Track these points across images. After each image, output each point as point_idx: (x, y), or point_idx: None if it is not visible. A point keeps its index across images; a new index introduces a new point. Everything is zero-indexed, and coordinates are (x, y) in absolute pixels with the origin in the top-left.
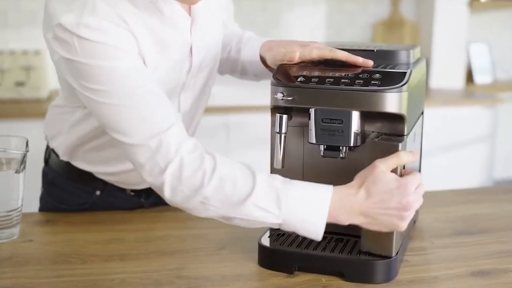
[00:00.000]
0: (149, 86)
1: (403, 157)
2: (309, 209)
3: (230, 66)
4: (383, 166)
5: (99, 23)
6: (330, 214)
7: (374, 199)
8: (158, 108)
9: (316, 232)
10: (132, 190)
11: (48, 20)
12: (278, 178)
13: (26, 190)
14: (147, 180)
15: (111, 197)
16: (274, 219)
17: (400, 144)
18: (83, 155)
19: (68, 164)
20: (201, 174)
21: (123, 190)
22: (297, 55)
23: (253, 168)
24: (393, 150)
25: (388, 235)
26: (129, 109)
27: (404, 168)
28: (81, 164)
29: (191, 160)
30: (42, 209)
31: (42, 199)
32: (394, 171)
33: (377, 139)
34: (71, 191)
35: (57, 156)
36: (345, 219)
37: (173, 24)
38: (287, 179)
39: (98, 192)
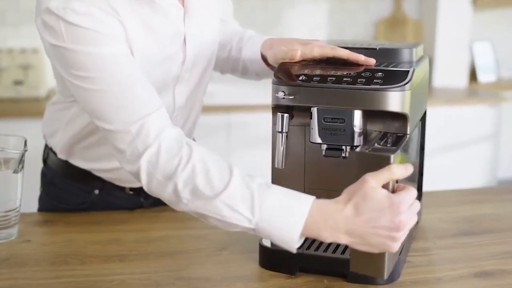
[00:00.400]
0: (133, 73)
1: (396, 171)
2: (284, 219)
3: (231, 65)
4: (374, 181)
5: (87, 9)
6: (309, 228)
7: (363, 217)
8: (141, 95)
9: (290, 245)
10: (131, 189)
11: (38, 6)
12: (257, 179)
13: (25, 191)
14: (126, 168)
15: (110, 196)
16: (247, 223)
17: (392, 156)
18: (80, 152)
19: (66, 163)
20: (176, 161)
21: (122, 189)
22: (298, 53)
23: (234, 165)
24: (384, 163)
25: (380, 255)
26: (113, 95)
27: (397, 182)
28: (78, 162)
29: (169, 147)
30: (41, 209)
31: (41, 199)
32: (385, 186)
33: (367, 150)
34: (70, 191)
35: (55, 155)
36: (328, 236)
37: (164, 12)
38: (268, 183)
39: (96, 191)
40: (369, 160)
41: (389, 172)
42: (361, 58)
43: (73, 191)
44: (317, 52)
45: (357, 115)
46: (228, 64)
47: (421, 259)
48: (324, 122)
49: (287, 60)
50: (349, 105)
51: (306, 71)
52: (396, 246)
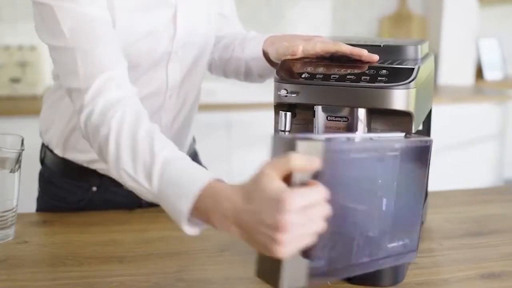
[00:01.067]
0: (105, 35)
1: (294, 160)
2: (175, 199)
3: (234, 67)
4: (269, 168)
5: None
6: (200, 212)
7: (251, 208)
8: (103, 56)
9: (182, 228)
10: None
11: None
12: (166, 151)
13: (23, 191)
14: (81, 127)
15: (108, 194)
16: (149, 195)
17: (299, 143)
18: (75, 142)
19: (63, 160)
20: (104, 128)
21: (119, 185)
22: (300, 49)
23: (154, 133)
24: (289, 149)
25: (276, 261)
26: (77, 53)
27: (318, 177)
28: (74, 155)
29: (104, 111)
30: (39, 209)
31: (39, 199)
32: (288, 180)
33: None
34: (68, 189)
35: (52, 152)
36: (218, 225)
37: None
38: (180, 156)
39: (94, 188)
40: (276, 143)
41: (285, 161)
42: (364, 53)
43: (70, 189)
44: (319, 47)
45: (361, 113)
46: (231, 65)
47: (427, 260)
48: (328, 121)
49: (288, 56)
50: (353, 103)
51: (309, 69)
52: (280, 251)
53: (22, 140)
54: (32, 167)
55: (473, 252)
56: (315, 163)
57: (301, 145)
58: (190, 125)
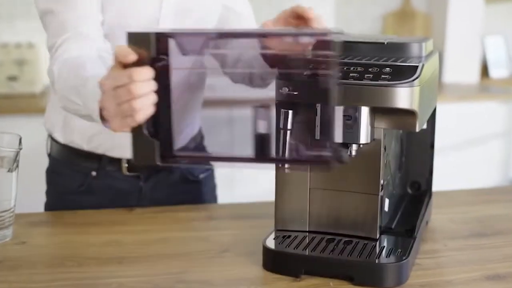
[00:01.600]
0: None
1: (117, 49)
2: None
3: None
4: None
5: None
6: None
7: (106, 85)
8: (78, 17)
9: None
10: (128, 170)
11: None
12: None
13: (21, 191)
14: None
15: (108, 179)
16: (82, 111)
17: (128, 34)
18: (75, 124)
19: (63, 146)
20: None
21: (118, 169)
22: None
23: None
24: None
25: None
26: (52, 15)
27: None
28: (75, 137)
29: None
30: (47, 203)
31: (47, 193)
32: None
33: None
34: (69, 175)
35: (54, 140)
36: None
37: None
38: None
39: (94, 173)
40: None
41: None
42: (307, 12)
43: (71, 175)
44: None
45: (364, 112)
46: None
47: (431, 262)
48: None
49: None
50: (356, 101)
51: (311, 66)
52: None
53: (20, 139)
54: (30, 167)
55: (478, 253)
56: (131, 54)
57: (130, 35)
58: (189, 110)
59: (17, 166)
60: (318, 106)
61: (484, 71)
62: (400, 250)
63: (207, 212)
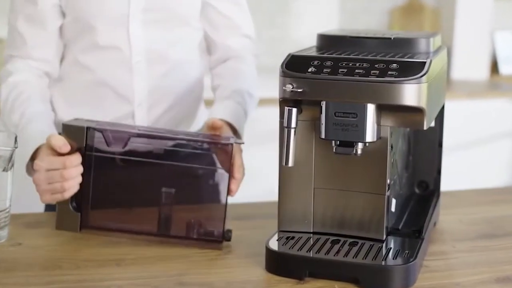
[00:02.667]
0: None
1: (50, 139)
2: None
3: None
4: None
5: None
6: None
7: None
8: (28, 40)
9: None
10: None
11: None
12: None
13: (17, 191)
14: None
15: None
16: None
17: (63, 125)
18: (75, 97)
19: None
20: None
21: None
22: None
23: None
24: None
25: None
26: (12, 31)
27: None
28: (78, 110)
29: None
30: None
31: None
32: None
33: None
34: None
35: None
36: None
37: None
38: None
39: None
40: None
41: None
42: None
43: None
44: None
45: (370, 109)
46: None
47: (439, 264)
48: (335, 117)
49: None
50: (361, 98)
51: (316, 63)
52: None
53: (16, 138)
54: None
55: (487, 255)
56: (65, 146)
57: (65, 127)
58: (179, 103)
59: (13, 165)
60: (323, 104)
61: (494, 67)
62: (407, 251)
63: None
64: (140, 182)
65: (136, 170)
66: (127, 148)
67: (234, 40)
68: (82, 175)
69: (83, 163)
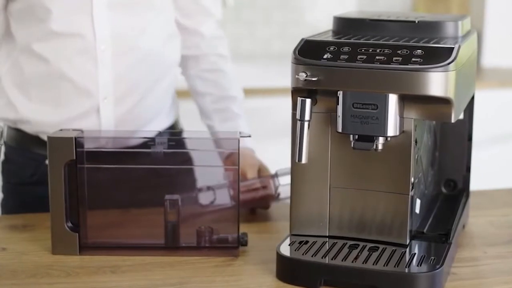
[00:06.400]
0: None
1: None
2: None
3: (188, 79)
4: None
5: None
6: None
7: None
8: None
9: None
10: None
11: None
12: None
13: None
14: None
15: None
16: None
17: (48, 138)
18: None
19: (16, 131)
20: None
21: None
22: None
23: None
24: None
25: None
26: None
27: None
28: (38, 106)
29: None
30: (3, 198)
31: (2, 187)
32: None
33: None
34: (21, 163)
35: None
36: None
37: None
38: None
39: (47, 162)
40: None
41: None
42: None
43: (24, 163)
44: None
45: (392, 100)
46: (186, 74)
47: (468, 271)
48: (353, 109)
49: None
50: (382, 88)
51: (332, 48)
52: None
53: (2, 132)
54: None
55: None
56: None
57: (51, 140)
58: (150, 96)
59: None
60: (340, 94)
61: None
62: (433, 257)
63: None
64: (142, 191)
65: (136, 178)
66: (122, 155)
67: (207, 26)
68: (76, 190)
69: (75, 178)
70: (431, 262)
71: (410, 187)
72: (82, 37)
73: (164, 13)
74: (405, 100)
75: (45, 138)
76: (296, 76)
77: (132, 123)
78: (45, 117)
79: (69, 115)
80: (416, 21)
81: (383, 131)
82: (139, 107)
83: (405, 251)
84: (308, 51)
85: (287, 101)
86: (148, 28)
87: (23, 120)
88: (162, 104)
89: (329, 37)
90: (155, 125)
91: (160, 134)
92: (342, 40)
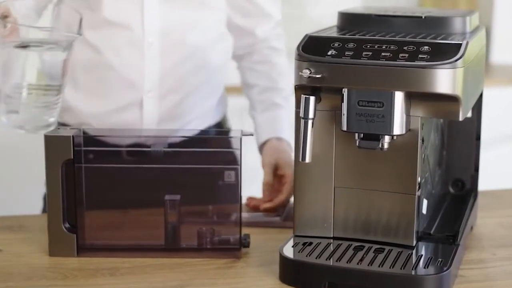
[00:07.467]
0: None
1: None
2: None
3: (243, 74)
4: None
5: None
6: None
7: None
8: None
9: None
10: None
11: None
12: None
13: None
14: None
15: None
16: None
17: (45, 136)
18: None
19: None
20: None
21: None
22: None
23: None
24: None
25: None
26: None
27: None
28: (82, 94)
29: None
30: None
31: None
32: None
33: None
34: None
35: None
36: None
37: None
38: None
39: None
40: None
41: None
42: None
43: None
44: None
45: (399, 97)
46: (239, 66)
47: (476, 273)
48: (358, 107)
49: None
50: (388, 85)
51: (336, 45)
52: None
53: (81, 20)
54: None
55: None
56: None
57: (48, 139)
58: (196, 94)
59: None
60: (345, 91)
61: None
62: (440, 259)
63: None
64: (141, 191)
65: (135, 178)
66: (122, 153)
67: (262, 28)
68: (74, 190)
69: (72, 177)
70: (439, 264)
71: (417, 187)
72: (131, 28)
73: (216, 13)
74: (411, 97)
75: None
76: (300, 73)
77: (175, 120)
78: (89, 107)
79: (112, 106)
80: (423, 17)
81: (389, 129)
82: (183, 105)
83: (412, 253)
84: (312, 48)
85: (292, 98)
86: (198, 25)
87: (67, 108)
88: (208, 103)
89: (334, 33)
90: (199, 123)
91: (202, 132)
92: (347, 36)
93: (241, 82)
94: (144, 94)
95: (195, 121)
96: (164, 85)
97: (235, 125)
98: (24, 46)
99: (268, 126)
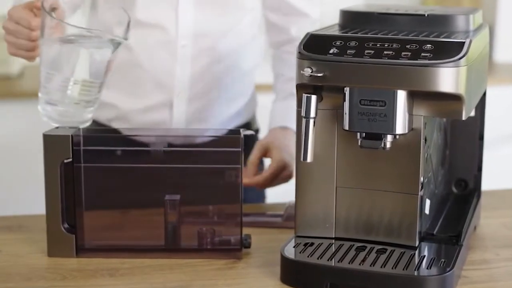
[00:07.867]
0: None
1: None
2: None
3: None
4: None
5: None
6: None
7: None
8: None
9: None
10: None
11: None
12: None
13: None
14: None
15: None
16: None
17: (44, 135)
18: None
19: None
20: None
21: None
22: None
23: None
24: None
25: None
26: None
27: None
28: (110, 92)
29: None
30: None
31: None
32: None
33: None
34: None
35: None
36: None
37: None
38: None
39: None
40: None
41: None
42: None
43: None
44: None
45: (401, 96)
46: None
47: (480, 274)
48: (361, 106)
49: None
50: (391, 84)
51: (338, 43)
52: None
53: (129, 23)
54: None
55: None
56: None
57: (46, 138)
58: (225, 96)
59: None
60: (347, 90)
61: None
62: (443, 260)
63: None
64: (141, 191)
65: (135, 178)
66: (120, 153)
67: (297, 28)
68: (73, 190)
69: (71, 177)
70: (441, 264)
71: (420, 187)
72: (165, 30)
73: (252, 13)
74: (414, 96)
75: (115, 127)
76: (301, 71)
77: (204, 121)
78: (119, 105)
79: (142, 106)
80: (426, 15)
81: (391, 128)
82: (212, 107)
83: (414, 254)
84: (313, 46)
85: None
86: (233, 29)
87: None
88: (237, 105)
89: (336, 31)
90: (227, 124)
91: (230, 132)
92: (349, 34)
93: (272, 72)
94: (174, 96)
95: (223, 122)
96: (194, 88)
97: (264, 124)
98: (71, 41)
99: (278, 114)
